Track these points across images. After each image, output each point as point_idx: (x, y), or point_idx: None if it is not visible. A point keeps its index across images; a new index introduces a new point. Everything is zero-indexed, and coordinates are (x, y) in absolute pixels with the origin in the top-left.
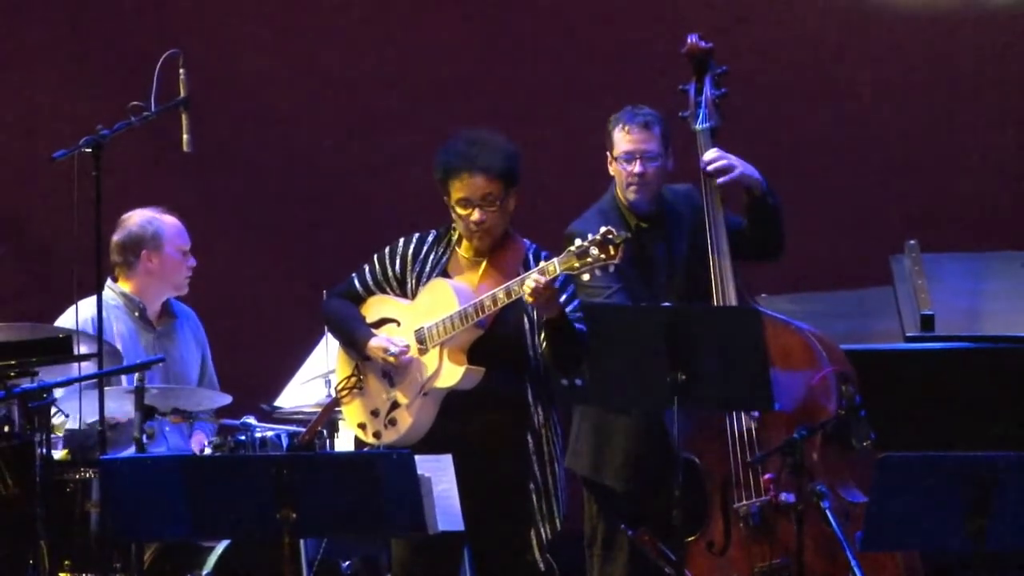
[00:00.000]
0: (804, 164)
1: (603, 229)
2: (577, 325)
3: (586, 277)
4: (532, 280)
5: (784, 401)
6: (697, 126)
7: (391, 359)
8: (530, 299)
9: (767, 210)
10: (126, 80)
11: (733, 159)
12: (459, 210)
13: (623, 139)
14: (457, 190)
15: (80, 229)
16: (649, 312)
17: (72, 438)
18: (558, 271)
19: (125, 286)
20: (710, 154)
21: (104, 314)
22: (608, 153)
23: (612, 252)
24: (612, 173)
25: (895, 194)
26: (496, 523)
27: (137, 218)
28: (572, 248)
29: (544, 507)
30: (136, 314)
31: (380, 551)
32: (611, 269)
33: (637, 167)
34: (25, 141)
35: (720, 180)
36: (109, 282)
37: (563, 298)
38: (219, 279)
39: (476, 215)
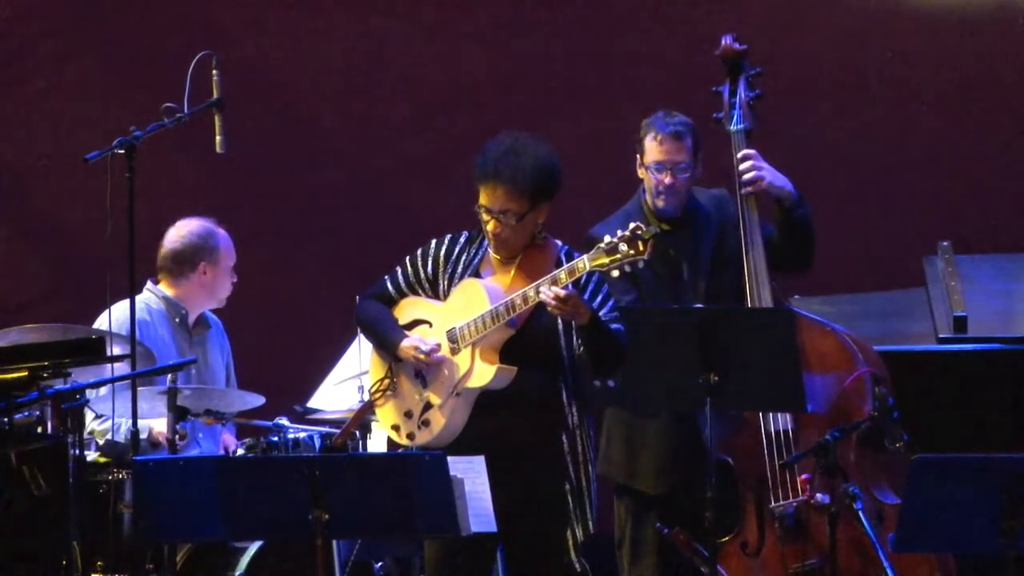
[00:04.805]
0: (837, 166)
1: (632, 225)
2: (613, 326)
3: (615, 274)
4: (547, 290)
5: (818, 402)
6: (731, 128)
7: (422, 357)
8: (554, 311)
9: (795, 222)
10: (159, 81)
11: (764, 168)
12: (481, 215)
13: (654, 148)
14: (481, 196)
15: (113, 230)
16: (681, 313)
17: (109, 448)
18: (588, 267)
19: (168, 290)
20: (744, 165)
21: (145, 316)
22: (638, 156)
23: (641, 248)
24: (641, 177)
25: (928, 195)
26: (531, 524)
27: (197, 228)
28: (601, 245)
29: (579, 509)
30: (177, 320)
31: (413, 552)
32: (640, 265)
33: (667, 179)
34: (58, 143)
35: (744, 191)
36: (150, 284)
37: (599, 299)
38: (252, 281)
39: (491, 225)
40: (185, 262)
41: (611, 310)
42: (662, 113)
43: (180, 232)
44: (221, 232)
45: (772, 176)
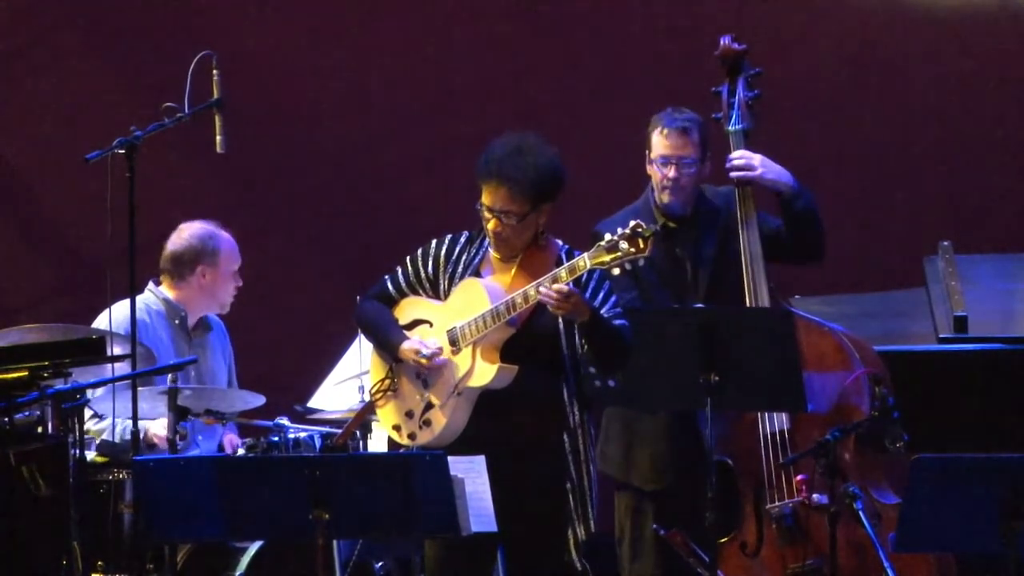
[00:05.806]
0: (838, 165)
1: (632, 223)
2: (616, 322)
3: (616, 271)
4: (547, 288)
5: (818, 402)
6: (730, 128)
7: (423, 361)
8: (555, 310)
9: (797, 214)
10: (159, 81)
11: (758, 161)
12: (483, 213)
13: (660, 143)
14: (484, 195)
15: (114, 230)
16: (682, 314)
17: (105, 448)
18: (588, 265)
19: (169, 292)
20: (735, 153)
21: (145, 317)
22: (647, 152)
23: (642, 245)
24: (649, 173)
25: (928, 195)
26: (532, 523)
27: (197, 230)
28: (602, 243)
29: (580, 508)
30: (176, 321)
31: (413, 552)
32: (641, 263)
33: (672, 172)
34: (59, 143)
35: (734, 175)
36: (151, 285)
37: (600, 296)
38: (253, 280)
39: (492, 224)
40: (184, 265)
41: (613, 306)
42: (671, 109)
43: (182, 235)
44: (224, 235)
45: (765, 168)
